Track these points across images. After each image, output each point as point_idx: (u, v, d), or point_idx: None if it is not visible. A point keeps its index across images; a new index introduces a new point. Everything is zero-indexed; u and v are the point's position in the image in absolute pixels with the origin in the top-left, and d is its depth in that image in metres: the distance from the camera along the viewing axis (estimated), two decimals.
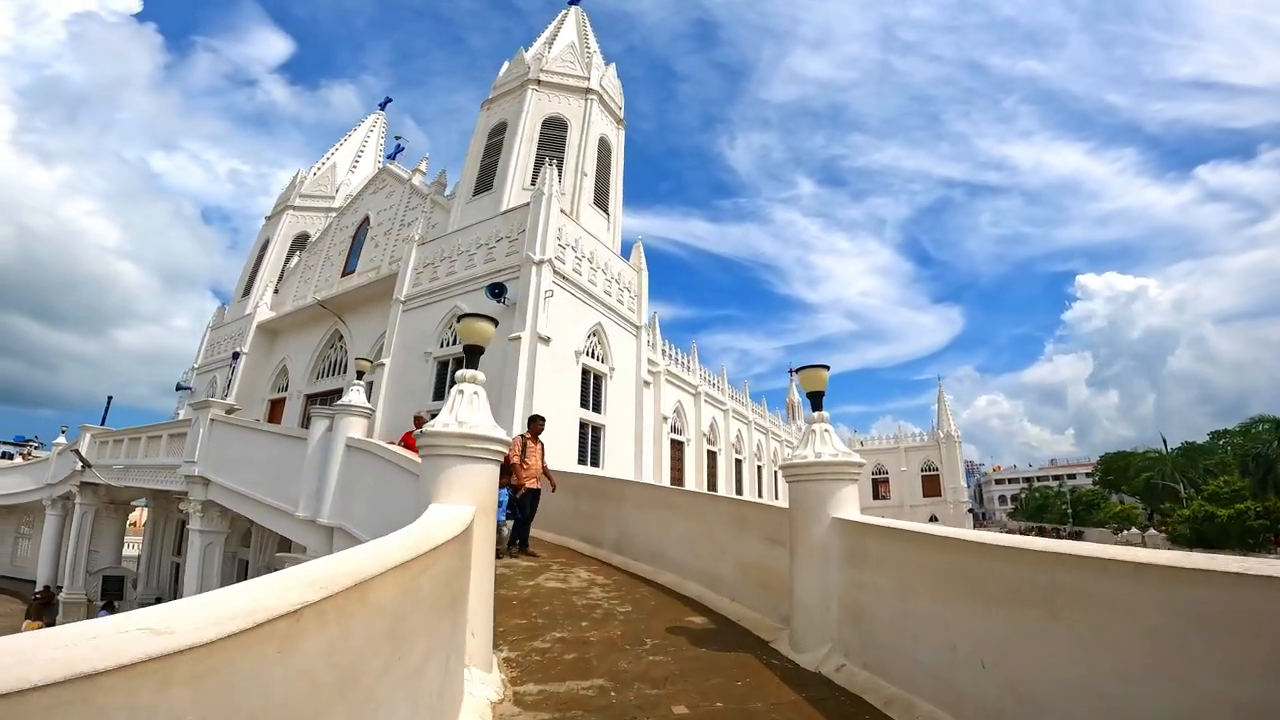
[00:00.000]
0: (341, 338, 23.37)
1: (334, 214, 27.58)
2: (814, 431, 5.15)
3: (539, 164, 18.55)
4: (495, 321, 4.46)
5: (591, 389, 17.49)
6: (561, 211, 17.42)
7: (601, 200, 21.10)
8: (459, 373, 4.28)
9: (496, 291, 15.32)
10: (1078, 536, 44.23)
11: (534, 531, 9.16)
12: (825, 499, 4.88)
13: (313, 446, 9.84)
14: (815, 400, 5.34)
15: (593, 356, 17.88)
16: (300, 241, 28.74)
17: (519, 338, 14.77)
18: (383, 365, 18.22)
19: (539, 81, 20.72)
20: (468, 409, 4.03)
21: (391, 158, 26.04)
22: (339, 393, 21.87)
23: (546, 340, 15.17)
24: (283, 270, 28.44)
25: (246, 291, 29.23)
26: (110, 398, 23.87)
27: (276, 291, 27.56)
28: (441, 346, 17.26)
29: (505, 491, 8.35)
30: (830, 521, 4.79)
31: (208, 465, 12.82)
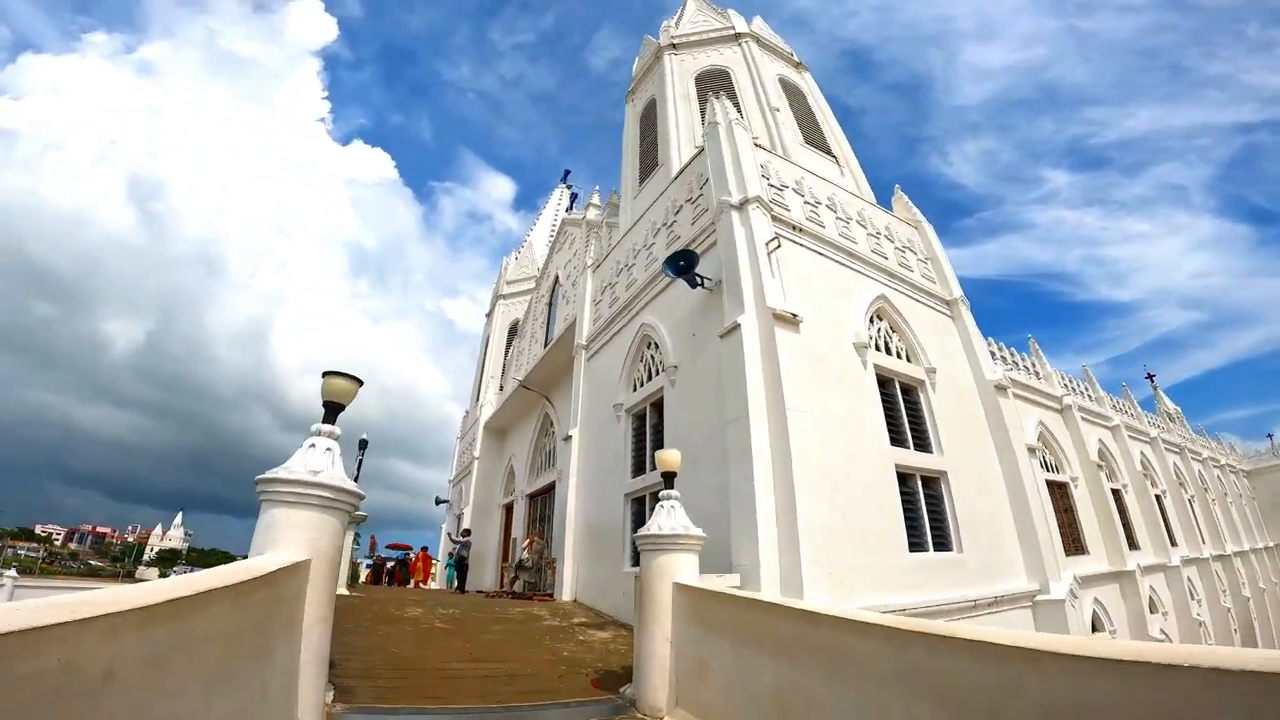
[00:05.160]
0: (551, 422, 19.22)
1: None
2: None
3: (705, 117, 12.54)
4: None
5: (903, 410, 9.41)
6: (758, 145, 10.70)
7: (815, 139, 14.06)
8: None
9: (682, 264, 8.84)
10: None
11: None
12: None
13: None
14: None
15: (887, 351, 9.95)
16: (515, 330, 26.95)
17: (737, 327, 7.82)
18: (569, 439, 12.85)
19: (674, 46, 16.36)
20: None
21: (569, 209, 22.70)
22: (552, 488, 17.61)
23: (792, 321, 7.94)
24: (504, 364, 26.68)
25: (479, 396, 28.14)
26: (372, 537, 23.35)
27: (501, 388, 25.54)
28: (633, 390, 11.20)
29: None
30: None
31: None
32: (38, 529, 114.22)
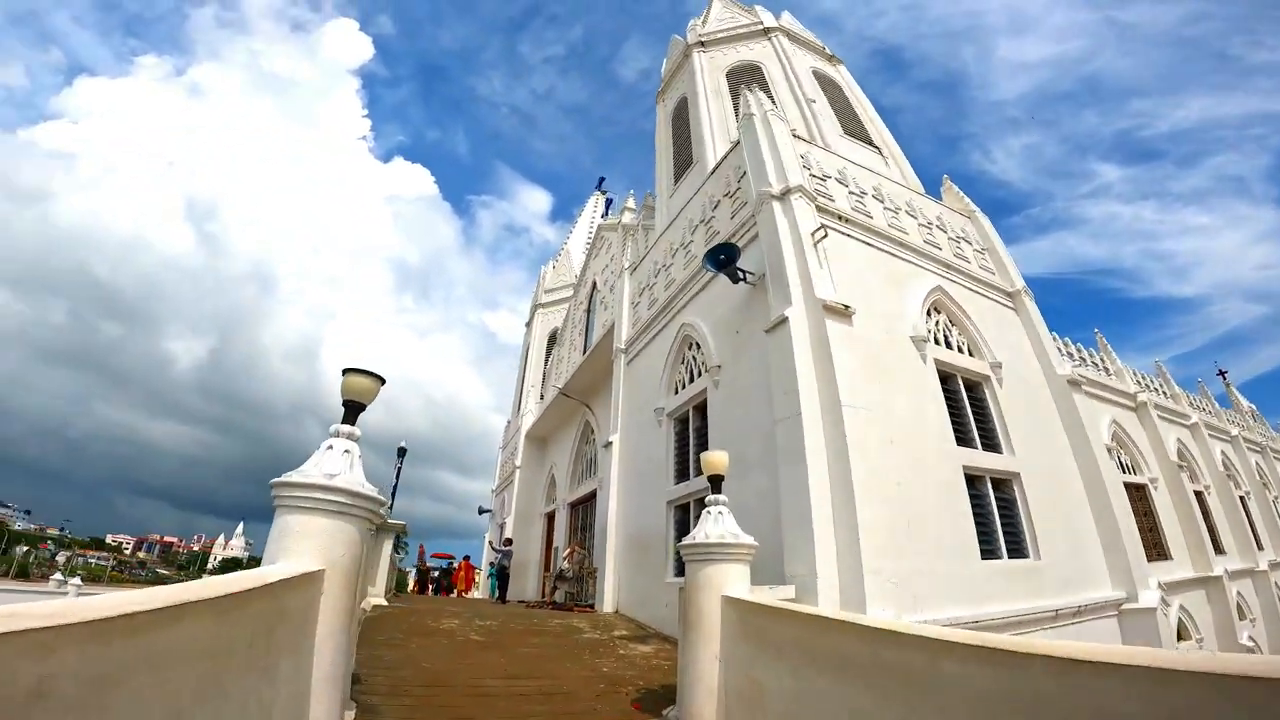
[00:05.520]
0: (592, 429, 18.94)
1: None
2: None
3: (739, 112, 12.11)
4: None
5: (968, 407, 8.69)
6: (797, 136, 10.21)
7: (856, 130, 13.53)
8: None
9: (723, 258, 8.39)
10: None
11: None
12: None
13: None
14: None
15: (947, 345, 9.25)
16: (554, 339, 26.90)
17: (784, 320, 7.32)
18: (609, 445, 12.50)
19: (702, 44, 16.10)
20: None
21: (605, 215, 22.52)
22: (593, 496, 17.23)
23: (844, 312, 7.39)
24: (544, 373, 26.63)
25: (520, 405, 28.17)
26: (420, 545, 23.57)
27: (542, 397, 25.48)
28: (674, 393, 10.77)
29: None
30: None
31: None
32: (108, 539, 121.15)
